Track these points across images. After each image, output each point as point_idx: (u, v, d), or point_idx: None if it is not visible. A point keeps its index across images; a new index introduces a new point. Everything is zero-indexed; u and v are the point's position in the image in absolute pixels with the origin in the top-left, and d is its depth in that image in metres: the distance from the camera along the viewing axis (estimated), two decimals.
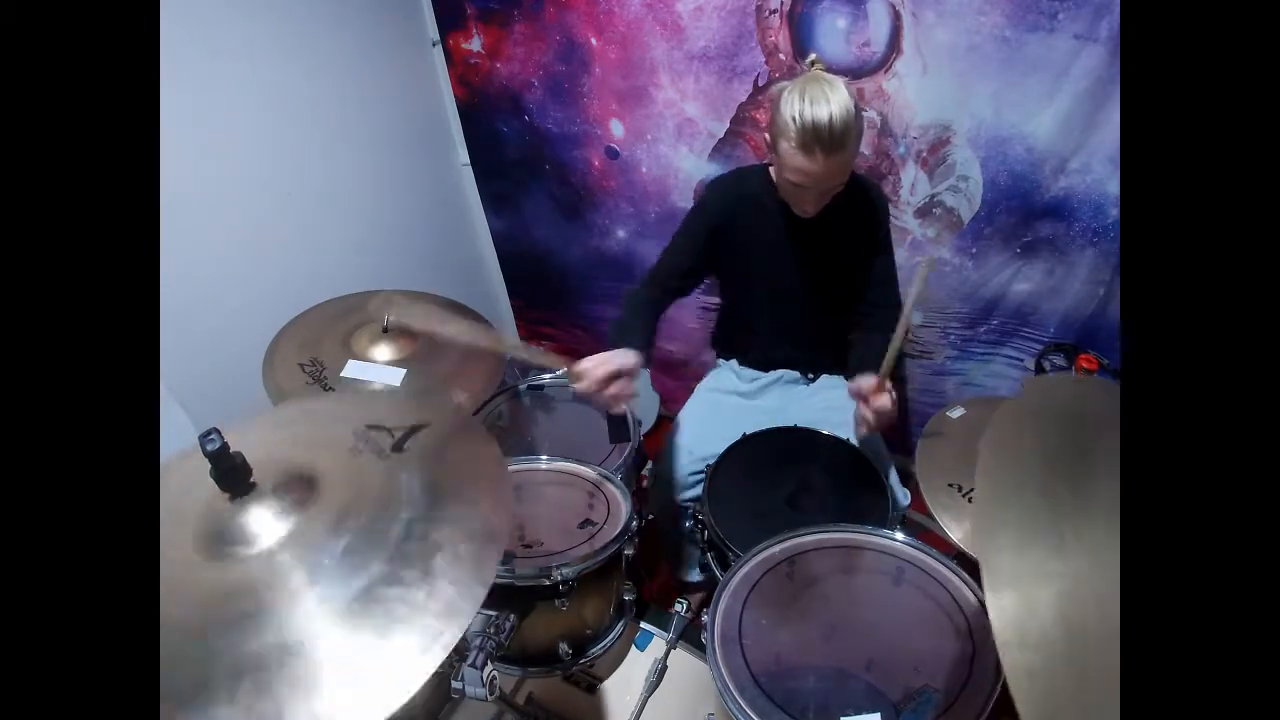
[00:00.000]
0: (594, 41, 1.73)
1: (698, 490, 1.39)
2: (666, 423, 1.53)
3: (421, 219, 2.11)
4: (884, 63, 1.49)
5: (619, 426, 1.51)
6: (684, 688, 1.14)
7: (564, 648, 1.10)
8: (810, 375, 1.54)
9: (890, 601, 1.01)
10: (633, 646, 1.21)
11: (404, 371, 1.23)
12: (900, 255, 1.67)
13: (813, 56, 1.15)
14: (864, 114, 1.54)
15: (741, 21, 1.56)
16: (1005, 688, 0.51)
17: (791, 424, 1.41)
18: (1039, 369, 1.65)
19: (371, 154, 1.86)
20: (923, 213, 1.64)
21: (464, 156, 2.15)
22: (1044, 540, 0.53)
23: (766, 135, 1.18)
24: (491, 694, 0.86)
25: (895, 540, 1.07)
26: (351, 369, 1.22)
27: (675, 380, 2.26)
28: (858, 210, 1.31)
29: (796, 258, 1.34)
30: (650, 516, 1.46)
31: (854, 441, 1.35)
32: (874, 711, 0.82)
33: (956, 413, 1.27)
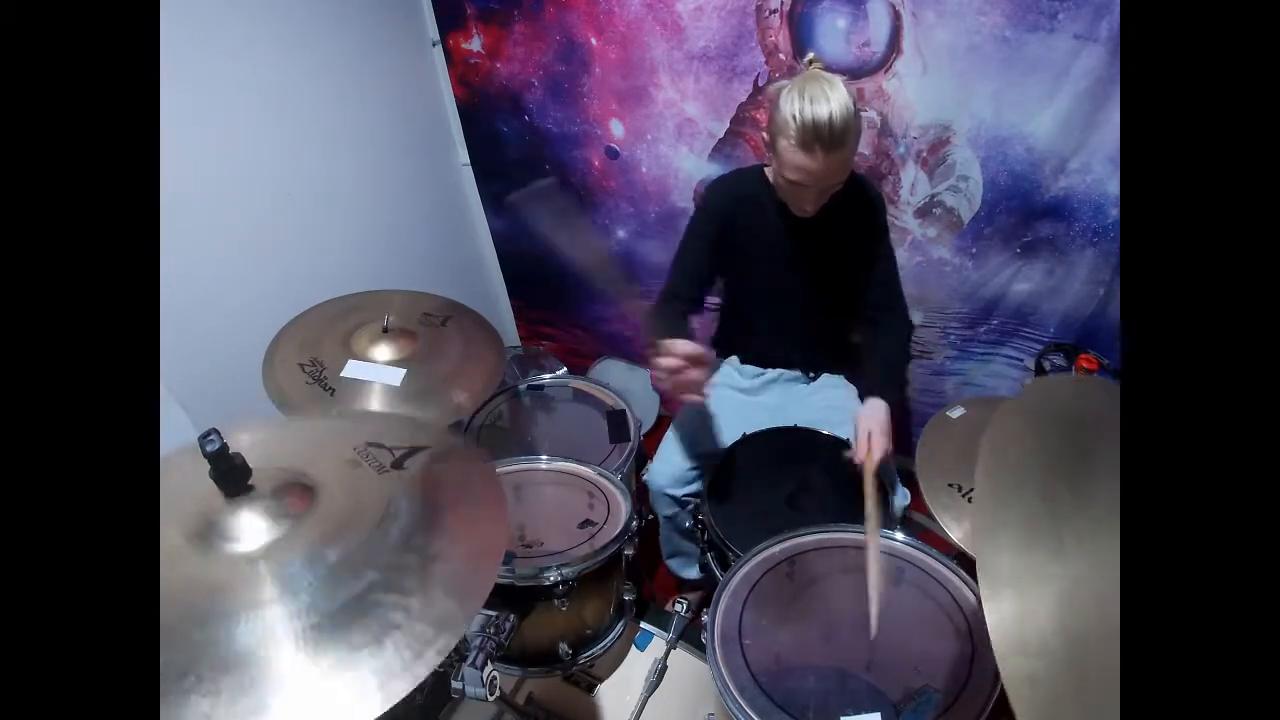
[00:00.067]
0: (594, 41, 1.73)
1: (695, 486, 1.39)
2: (666, 422, 1.53)
3: (421, 219, 2.10)
4: (884, 63, 1.49)
5: (619, 426, 1.52)
6: (684, 688, 1.14)
7: (564, 648, 1.10)
8: (811, 374, 1.54)
9: (890, 601, 1.01)
10: (633, 646, 1.21)
11: (404, 371, 1.22)
12: (900, 255, 1.67)
13: (811, 55, 1.16)
14: (864, 114, 1.56)
15: (741, 21, 1.56)
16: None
17: (792, 423, 1.41)
18: (1039, 369, 1.65)
19: (371, 154, 1.85)
20: (923, 213, 1.64)
21: (464, 156, 2.15)
22: (1043, 543, 0.53)
23: (765, 135, 1.18)
24: (491, 694, 0.86)
25: (895, 540, 1.07)
26: (351, 369, 1.22)
27: None
28: (856, 209, 1.31)
29: (796, 258, 1.34)
30: (650, 516, 1.46)
31: (850, 436, 1.35)
32: (874, 711, 0.82)
33: (956, 413, 1.27)
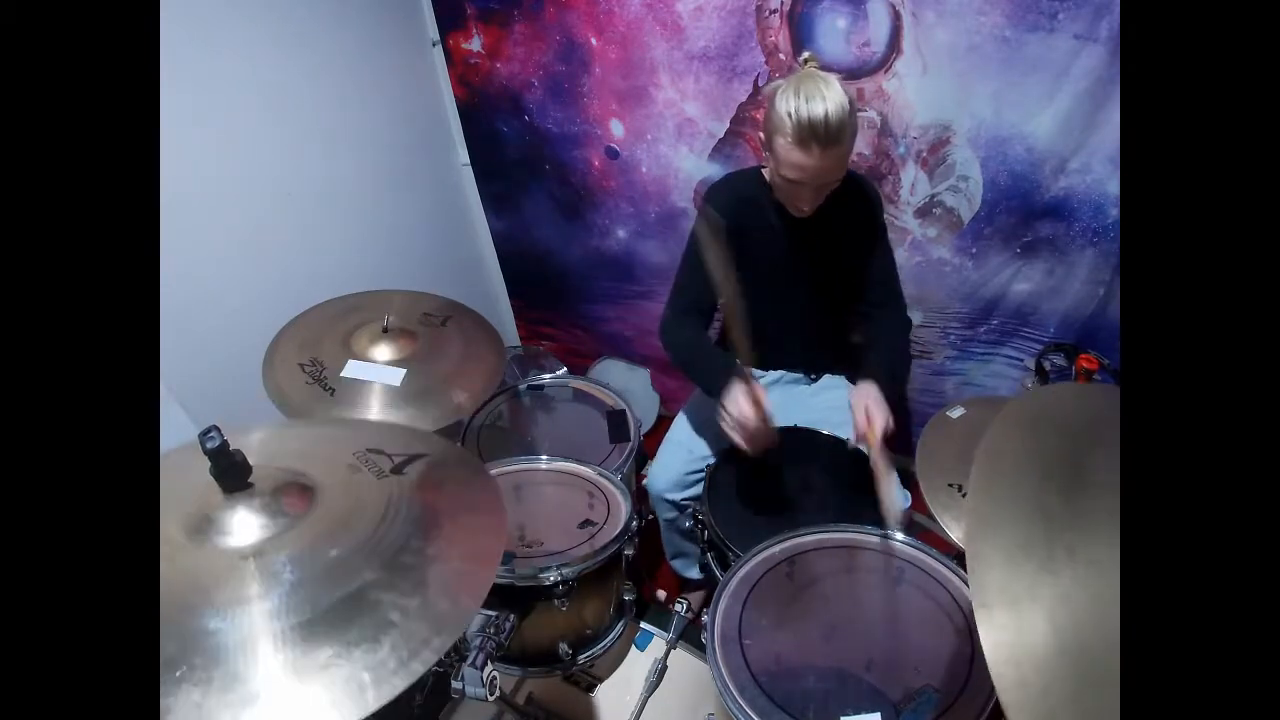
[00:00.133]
0: (594, 41, 1.73)
1: (696, 490, 1.39)
2: (666, 422, 1.53)
3: (421, 219, 2.10)
4: (884, 63, 1.49)
5: (619, 426, 1.52)
6: (684, 688, 1.14)
7: (564, 648, 1.10)
8: (812, 375, 1.54)
9: (890, 601, 1.01)
10: (633, 646, 1.21)
11: (404, 371, 1.22)
12: (900, 255, 1.67)
13: (807, 54, 1.16)
14: (864, 114, 1.56)
15: (741, 21, 1.56)
16: None
17: (792, 424, 1.41)
18: (1039, 369, 1.65)
19: (371, 154, 1.86)
20: (923, 213, 1.64)
21: (464, 156, 2.15)
22: (1034, 555, 0.52)
23: (761, 134, 1.18)
24: (491, 694, 0.86)
25: (895, 540, 1.07)
26: (351, 369, 1.22)
27: (675, 380, 2.26)
28: (854, 208, 1.31)
29: (795, 258, 1.34)
30: (650, 516, 1.46)
31: (854, 442, 1.35)
32: (874, 711, 0.82)
33: (956, 413, 1.27)
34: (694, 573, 1.58)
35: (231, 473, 0.69)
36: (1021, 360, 1.76)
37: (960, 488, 1.11)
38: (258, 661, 0.57)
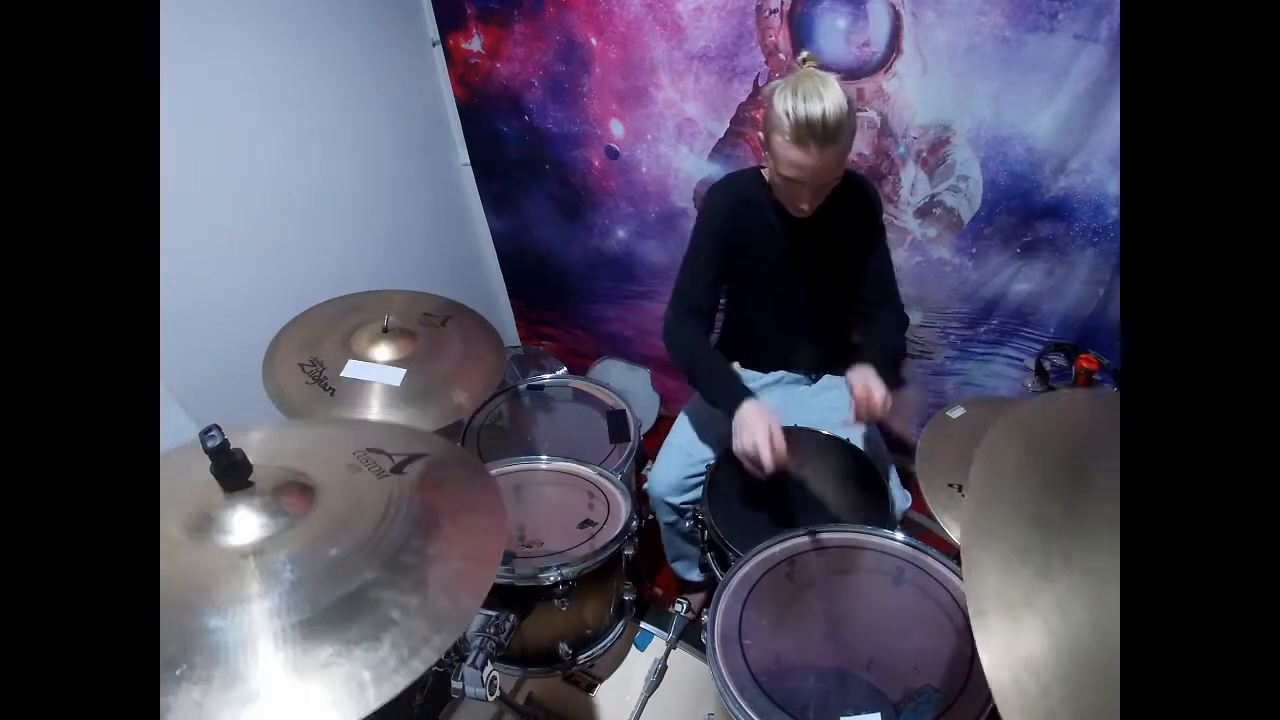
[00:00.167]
0: (594, 41, 1.73)
1: (696, 493, 1.39)
2: (666, 422, 1.53)
3: (421, 219, 2.10)
4: (884, 63, 1.49)
5: (619, 426, 1.52)
6: (684, 688, 1.14)
7: (564, 648, 1.10)
8: (812, 376, 1.54)
9: (890, 601, 1.01)
10: (633, 646, 1.21)
11: (404, 371, 1.22)
12: (900, 255, 1.67)
13: (805, 54, 1.16)
14: (864, 114, 1.56)
15: (741, 21, 1.56)
16: None
17: (792, 424, 1.41)
18: (1039, 369, 1.65)
19: (371, 154, 1.86)
20: (923, 213, 1.64)
21: (464, 156, 2.15)
22: (1033, 562, 0.52)
23: (760, 134, 1.18)
24: (491, 694, 0.86)
25: (895, 540, 1.07)
26: (351, 369, 1.22)
27: (675, 380, 2.26)
28: (854, 208, 1.31)
29: (795, 258, 1.34)
30: (650, 516, 1.46)
31: (851, 436, 1.35)
32: (874, 711, 0.82)
33: (956, 413, 1.27)
34: (695, 575, 1.58)
35: (232, 471, 0.69)
36: (1021, 360, 1.76)
37: (960, 488, 1.11)
38: (258, 660, 0.57)
